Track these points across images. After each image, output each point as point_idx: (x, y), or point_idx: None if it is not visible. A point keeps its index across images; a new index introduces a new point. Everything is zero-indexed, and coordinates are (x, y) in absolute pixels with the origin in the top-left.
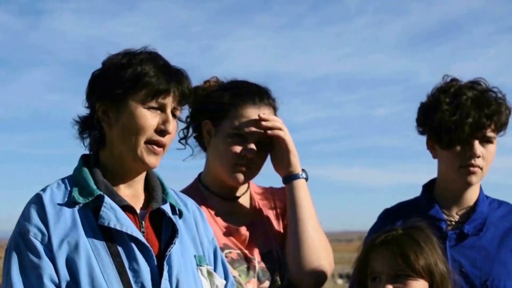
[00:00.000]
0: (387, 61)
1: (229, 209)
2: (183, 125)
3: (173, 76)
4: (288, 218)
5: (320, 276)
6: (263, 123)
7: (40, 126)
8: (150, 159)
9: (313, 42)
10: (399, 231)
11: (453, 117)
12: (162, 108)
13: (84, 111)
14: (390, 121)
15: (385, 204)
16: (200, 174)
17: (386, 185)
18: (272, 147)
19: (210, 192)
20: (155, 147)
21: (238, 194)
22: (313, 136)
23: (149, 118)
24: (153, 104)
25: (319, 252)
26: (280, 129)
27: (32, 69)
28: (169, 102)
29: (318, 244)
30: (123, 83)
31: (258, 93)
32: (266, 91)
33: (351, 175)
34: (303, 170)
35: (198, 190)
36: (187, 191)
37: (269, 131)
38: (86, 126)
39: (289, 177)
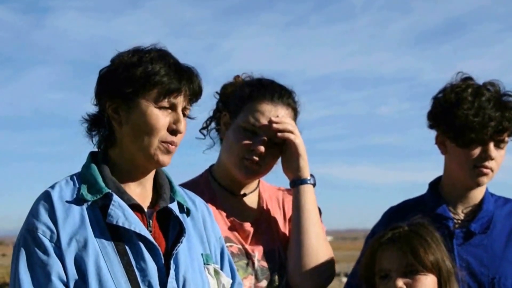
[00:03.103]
0: (392, 59)
1: (236, 204)
2: (191, 123)
3: (184, 75)
4: (292, 222)
5: (319, 284)
6: (274, 125)
7: (44, 124)
8: (164, 158)
9: (318, 40)
10: (405, 228)
11: (477, 118)
12: (173, 107)
13: (91, 109)
14: (395, 119)
15: (390, 202)
16: (211, 166)
17: (391, 183)
18: (284, 148)
19: (219, 185)
20: (170, 145)
21: (246, 191)
22: (318, 134)
23: (161, 118)
24: (164, 103)
25: (319, 259)
26: (291, 132)
27: (36, 67)
28: (180, 101)
29: (319, 251)
30: (133, 82)
31: (278, 92)
32: (289, 91)
33: (356, 173)
34: (311, 175)
35: (207, 182)
36: (197, 181)
37: (279, 134)
38: (95, 124)
39: (297, 181)
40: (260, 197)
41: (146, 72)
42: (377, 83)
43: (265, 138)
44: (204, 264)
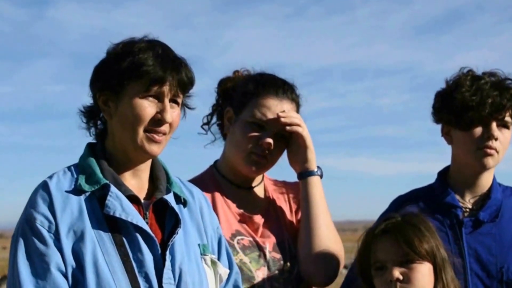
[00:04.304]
0: (392, 50)
1: (244, 198)
2: (191, 113)
3: (169, 64)
4: (301, 213)
5: (330, 272)
6: (282, 119)
7: (46, 117)
8: (151, 148)
9: (318, 31)
10: (398, 219)
11: (474, 97)
12: (159, 97)
13: (89, 101)
14: (396, 110)
15: (390, 193)
16: (215, 162)
17: (391, 175)
18: (289, 142)
19: (226, 179)
20: (155, 135)
21: (253, 184)
22: (318, 126)
23: (147, 108)
24: (150, 93)
25: (330, 248)
26: (298, 125)
27: (37, 60)
28: (165, 90)
29: (329, 240)
30: (121, 73)
31: (282, 86)
32: (291, 86)
33: (356, 164)
34: (318, 167)
35: (213, 177)
36: (202, 177)
37: (287, 127)
38: (90, 116)
39: (304, 173)
40: (265, 190)
41: (132, 63)
42: (377, 74)
43: (272, 133)
44: (201, 254)
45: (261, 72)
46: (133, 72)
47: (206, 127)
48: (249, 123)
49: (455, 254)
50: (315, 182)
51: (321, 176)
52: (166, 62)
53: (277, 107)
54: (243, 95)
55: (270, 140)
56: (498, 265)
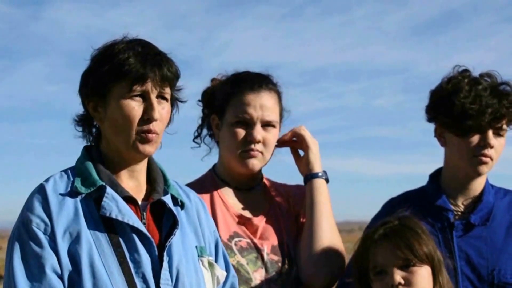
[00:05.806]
0: (388, 51)
1: (243, 200)
2: (186, 110)
3: (149, 61)
4: (306, 215)
5: (331, 276)
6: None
7: (41, 116)
8: (144, 148)
9: (314, 32)
10: (395, 223)
11: (474, 105)
12: (144, 96)
13: (81, 109)
14: (391, 111)
15: (385, 194)
16: (214, 165)
17: (386, 175)
18: (295, 145)
19: (224, 182)
20: (147, 135)
21: (251, 185)
22: (313, 126)
23: (134, 108)
24: (135, 92)
25: (332, 251)
26: (298, 130)
27: (33, 59)
28: (149, 88)
29: (332, 243)
30: (104, 77)
31: (256, 80)
32: (266, 77)
33: (351, 165)
34: (324, 171)
35: (212, 180)
36: (201, 180)
37: (288, 136)
38: (84, 124)
39: (308, 176)
40: (265, 192)
41: (113, 65)
42: (372, 75)
43: (259, 123)
44: (198, 256)
45: (235, 72)
46: (114, 74)
47: (199, 140)
48: (233, 124)
49: (446, 257)
50: (319, 185)
51: (327, 180)
52: (146, 59)
53: (255, 100)
54: (222, 99)
55: (257, 133)
56: (489, 268)
